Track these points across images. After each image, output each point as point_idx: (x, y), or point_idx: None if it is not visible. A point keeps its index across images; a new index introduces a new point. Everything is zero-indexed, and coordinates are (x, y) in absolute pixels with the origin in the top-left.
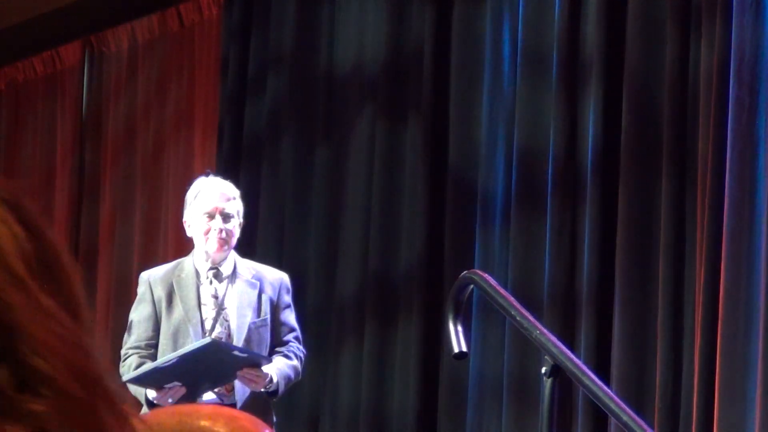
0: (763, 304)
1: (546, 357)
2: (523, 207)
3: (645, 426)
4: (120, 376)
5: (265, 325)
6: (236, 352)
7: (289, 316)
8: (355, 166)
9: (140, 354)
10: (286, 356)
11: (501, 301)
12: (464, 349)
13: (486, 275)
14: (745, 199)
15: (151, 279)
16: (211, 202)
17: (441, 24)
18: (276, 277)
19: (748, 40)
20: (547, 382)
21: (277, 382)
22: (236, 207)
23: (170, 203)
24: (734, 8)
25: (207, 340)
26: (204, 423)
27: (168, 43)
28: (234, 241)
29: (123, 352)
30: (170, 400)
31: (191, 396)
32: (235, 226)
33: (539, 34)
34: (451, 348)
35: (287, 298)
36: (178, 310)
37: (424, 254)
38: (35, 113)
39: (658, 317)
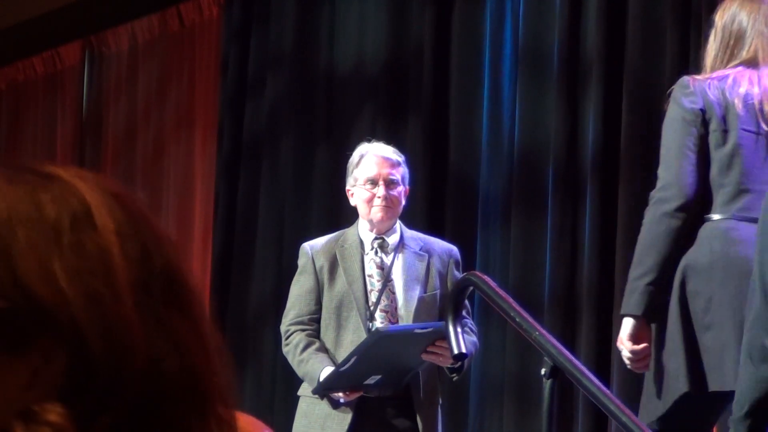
0: None
1: (545, 358)
2: (523, 207)
3: (644, 427)
4: (290, 357)
5: (435, 300)
6: (417, 330)
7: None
8: None
9: (306, 331)
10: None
11: (500, 302)
12: (464, 350)
13: (485, 277)
14: None
15: (313, 250)
16: (374, 168)
17: (441, 24)
18: (445, 250)
19: None
20: (547, 383)
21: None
22: (401, 172)
23: (170, 203)
24: None
25: (373, 335)
26: None
27: (168, 43)
28: (399, 208)
29: (284, 328)
30: (342, 400)
31: (392, 385)
32: (401, 192)
33: (539, 34)
34: (451, 349)
35: (457, 273)
36: (341, 282)
37: None
38: (35, 113)
39: None
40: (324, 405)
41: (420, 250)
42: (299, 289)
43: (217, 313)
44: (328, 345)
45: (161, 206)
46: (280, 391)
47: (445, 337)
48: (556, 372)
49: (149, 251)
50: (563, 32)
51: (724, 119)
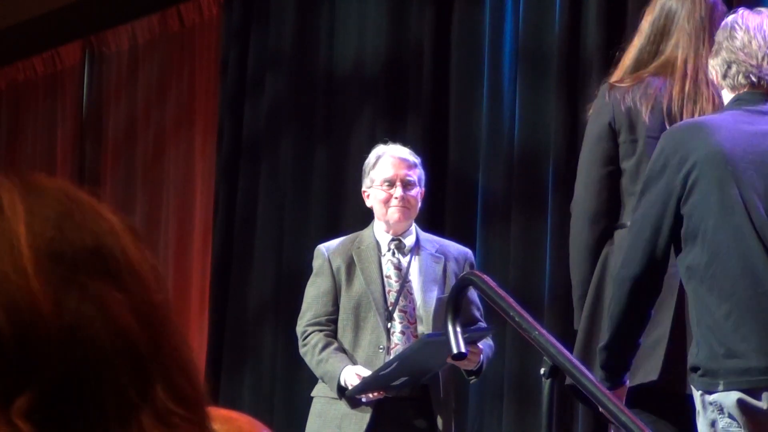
0: None
1: (545, 358)
2: (523, 207)
3: (643, 426)
4: (308, 357)
5: None
6: None
7: (474, 293)
8: (355, 166)
9: (324, 332)
10: None
11: (500, 301)
12: (463, 349)
13: (485, 276)
14: None
15: (329, 251)
16: (391, 170)
17: (441, 24)
18: (460, 252)
19: None
20: (546, 383)
21: (482, 360)
22: (417, 174)
23: (170, 203)
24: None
25: (419, 342)
26: None
27: (168, 43)
28: (416, 210)
29: (301, 329)
30: (363, 400)
31: (411, 385)
32: (417, 194)
33: (539, 34)
34: (450, 348)
35: None
36: (358, 283)
37: None
38: (35, 113)
39: None
40: (341, 405)
41: (436, 252)
42: (316, 290)
43: (217, 313)
44: (346, 345)
45: (161, 206)
46: (280, 391)
47: (445, 336)
48: (556, 372)
49: (70, 229)
50: (563, 32)
51: (632, 129)
